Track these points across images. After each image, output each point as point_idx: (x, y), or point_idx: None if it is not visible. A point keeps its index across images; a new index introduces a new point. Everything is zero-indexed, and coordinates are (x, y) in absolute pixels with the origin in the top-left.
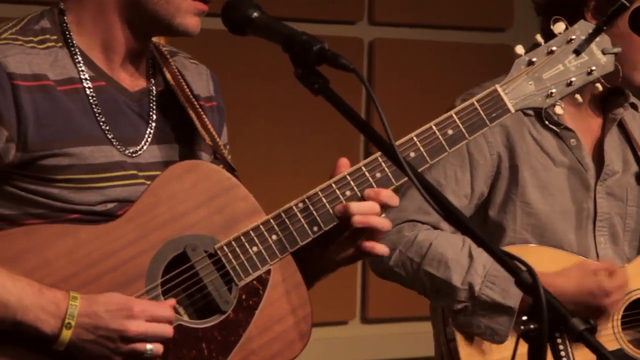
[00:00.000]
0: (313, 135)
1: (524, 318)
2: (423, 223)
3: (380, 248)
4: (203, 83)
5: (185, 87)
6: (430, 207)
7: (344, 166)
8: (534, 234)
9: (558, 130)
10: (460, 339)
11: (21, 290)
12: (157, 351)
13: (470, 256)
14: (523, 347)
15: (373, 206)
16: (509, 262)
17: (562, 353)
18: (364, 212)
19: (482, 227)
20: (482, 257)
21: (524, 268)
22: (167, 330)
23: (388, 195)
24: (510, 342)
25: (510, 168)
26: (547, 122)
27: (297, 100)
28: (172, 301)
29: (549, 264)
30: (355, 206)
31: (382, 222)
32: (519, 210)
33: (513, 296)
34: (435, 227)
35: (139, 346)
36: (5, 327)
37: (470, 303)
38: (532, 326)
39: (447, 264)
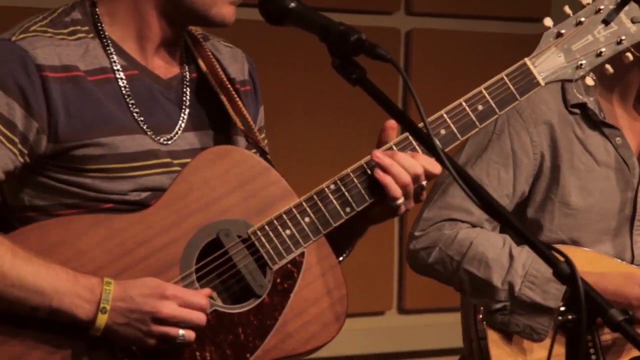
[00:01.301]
0: (350, 125)
1: (562, 308)
2: (464, 222)
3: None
4: (238, 66)
5: (220, 71)
6: (471, 205)
7: (391, 129)
8: (570, 234)
9: (603, 128)
10: (491, 338)
11: (56, 277)
12: (190, 337)
13: (511, 256)
14: (557, 348)
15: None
16: (547, 253)
17: (592, 351)
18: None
19: (523, 223)
20: (522, 257)
21: (562, 259)
22: (200, 317)
23: (427, 160)
24: (541, 344)
25: (551, 168)
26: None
27: (334, 90)
28: (208, 290)
29: (584, 265)
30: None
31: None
32: (557, 210)
33: (553, 297)
34: (476, 227)
35: (171, 330)
36: (41, 315)
37: (509, 303)
38: (570, 317)
39: (487, 264)
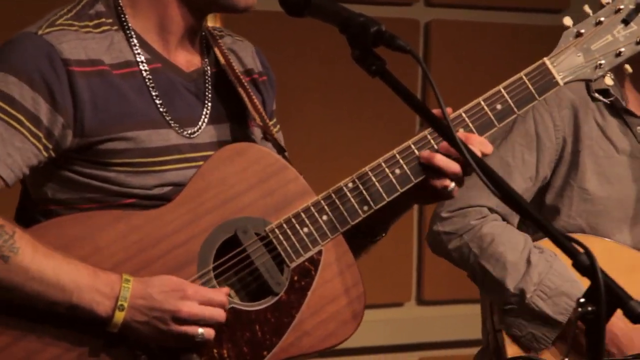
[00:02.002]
0: (369, 117)
1: (582, 300)
2: (491, 209)
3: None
4: (250, 59)
5: (236, 66)
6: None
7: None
8: (588, 220)
9: (625, 117)
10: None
11: (76, 272)
12: (209, 335)
13: (528, 262)
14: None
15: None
16: (567, 245)
17: None
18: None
19: (539, 211)
20: (540, 266)
21: (581, 250)
22: (220, 314)
23: (479, 141)
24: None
25: (572, 153)
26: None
27: (353, 81)
28: (226, 289)
29: (601, 255)
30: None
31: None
32: (576, 196)
33: (563, 310)
34: (502, 214)
35: (190, 329)
36: (59, 310)
37: (518, 307)
38: (589, 308)
39: (504, 265)
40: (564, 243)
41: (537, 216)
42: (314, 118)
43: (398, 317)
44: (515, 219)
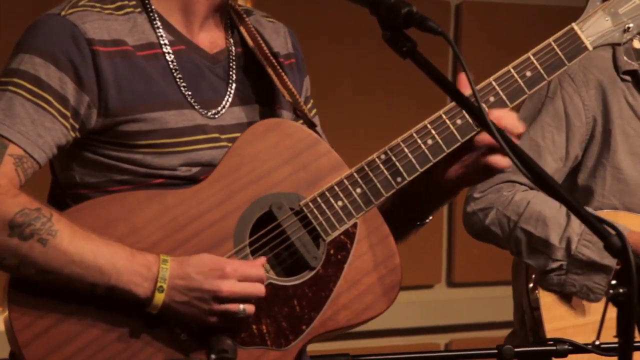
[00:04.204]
0: (400, 99)
1: (613, 282)
2: (522, 184)
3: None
4: (281, 40)
5: (263, 45)
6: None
7: (463, 81)
8: (622, 199)
9: None
10: (544, 306)
11: (114, 254)
12: (250, 311)
13: (568, 215)
14: (610, 312)
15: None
16: (598, 226)
17: None
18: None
19: (572, 191)
20: None
21: (613, 232)
22: (260, 289)
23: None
24: (595, 309)
25: (603, 132)
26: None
27: (384, 63)
28: (262, 259)
29: (637, 230)
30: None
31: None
32: (609, 175)
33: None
34: (533, 188)
35: (232, 306)
36: (99, 292)
37: (566, 261)
38: (621, 290)
39: (545, 222)
40: (595, 225)
41: (567, 197)
42: (345, 100)
43: (428, 299)
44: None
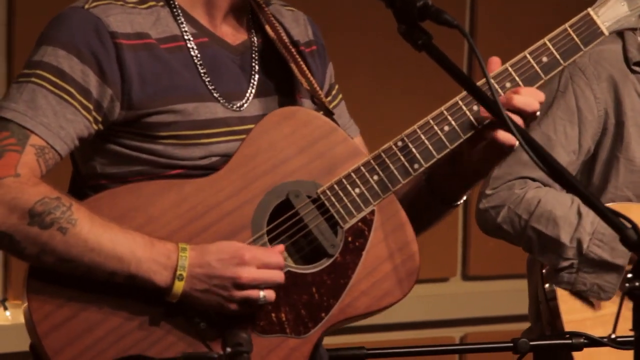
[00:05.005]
0: (415, 92)
1: (629, 275)
2: (534, 180)
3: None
4: (301, 28)
5: (283, 34)
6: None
7: (495, 64)
8: (635, 191)
9: None
10: (561, 297)
11: (133, 242)
12: (270, 297)
13: (579, 214)
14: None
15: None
16: (613, 219)
17: None
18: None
19: (586, 184)
20: (591, 215)
21: (629, 225)
22: (279, 276)
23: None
24: (611, 301)
25: (616, 125)
26: None
27: (399, 56)
28: (281, 247)
29: None
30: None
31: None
32: (622, 167)
33: (622, 254)
34: (546, 184)
35: (252, 293)
36: (119, 280)
37: (577, 260)
38: (637, 284)
39: (555, 221)
40: (610, 217)
41: (582, 189)
42: (362, 93)
43: (443, 293)
44: (558, 186)
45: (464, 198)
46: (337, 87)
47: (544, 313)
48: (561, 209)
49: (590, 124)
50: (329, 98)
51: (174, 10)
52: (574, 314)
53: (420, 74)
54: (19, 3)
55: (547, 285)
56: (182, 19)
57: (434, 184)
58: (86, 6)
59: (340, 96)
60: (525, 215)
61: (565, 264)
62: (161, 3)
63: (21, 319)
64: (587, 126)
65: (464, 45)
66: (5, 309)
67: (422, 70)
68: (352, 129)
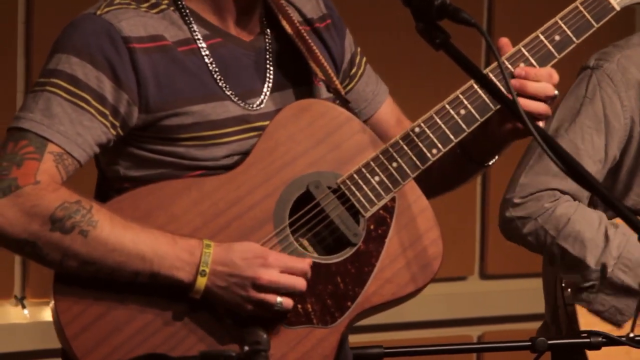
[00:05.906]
0: (432, 90)
1: None
2: (563, 192)
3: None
4: (313, 4)
5: (296, 20)
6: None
7: (506, 45)
8: None
9: None
10: (579, 310)
11: (155, 240)
12: (287, 305)
13: (606, 237)
14: None
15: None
16: (635, 220)
17: None
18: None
19: (610, 190)
20: (617, 239)
21: None
22: (301, 283)
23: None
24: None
25: None
26: None
27: (417, 54)
28: (310, 260)
29: None
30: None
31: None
32: None
33: None
34: (574, 196)
35: (269, 297)
36: (142, 279)
37: (598, 282)
38: None
39: (583, 243)
40: (632, 219)
41: (605, 191)
42: None
43: (461, 292)
44: (586, 201)
45: (496, 158)
46: (359, 51)
47: (562, 317)
48: (590, 231)
49: (617, 133)
50: (354, 69)
51: (184, 13)
52: (590, 317)
53: (430, 69)
54: (38, 2)
55: (565, 291)
56: (193, 22)
57: (466, 144)
58: (98, 12)
59: (365, 60)
60: (553, 232)
61: (586, 284)
62: (172, 7)
63: (39, 318)
64: (613, 135)
65: (481, 44)
66: (24, 307)
67: (433, 66)
68: (381, 91)
